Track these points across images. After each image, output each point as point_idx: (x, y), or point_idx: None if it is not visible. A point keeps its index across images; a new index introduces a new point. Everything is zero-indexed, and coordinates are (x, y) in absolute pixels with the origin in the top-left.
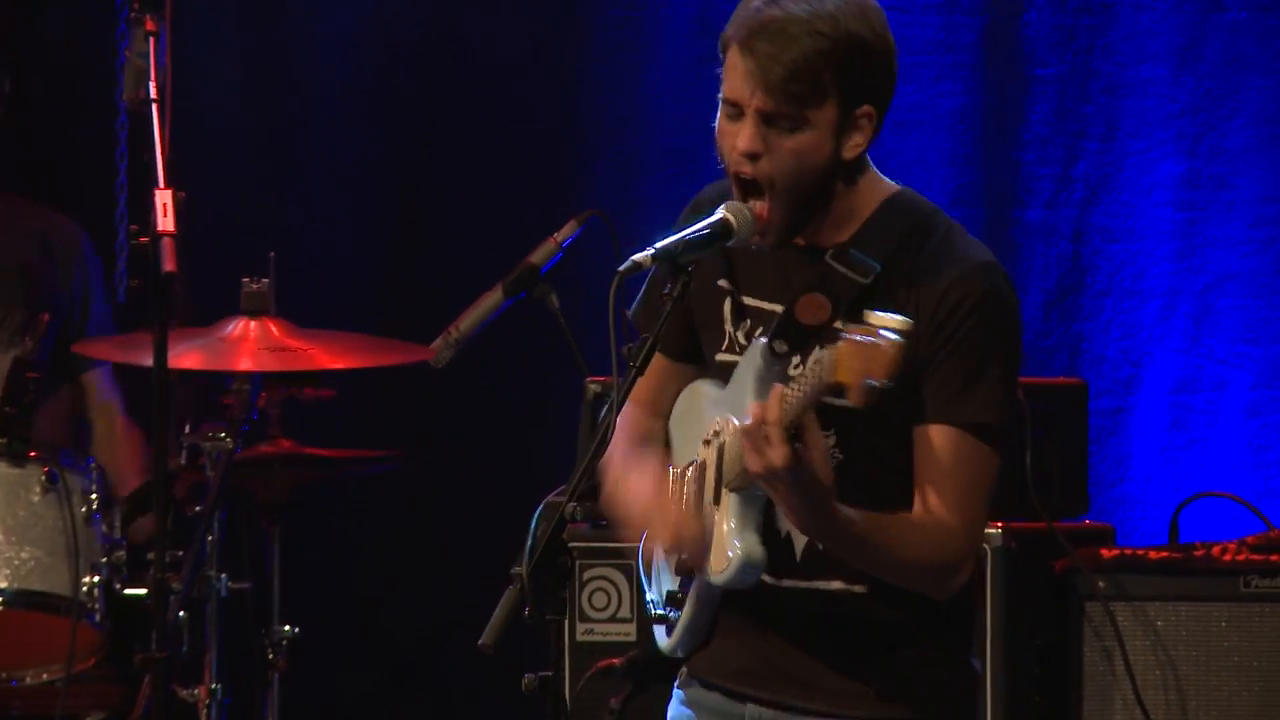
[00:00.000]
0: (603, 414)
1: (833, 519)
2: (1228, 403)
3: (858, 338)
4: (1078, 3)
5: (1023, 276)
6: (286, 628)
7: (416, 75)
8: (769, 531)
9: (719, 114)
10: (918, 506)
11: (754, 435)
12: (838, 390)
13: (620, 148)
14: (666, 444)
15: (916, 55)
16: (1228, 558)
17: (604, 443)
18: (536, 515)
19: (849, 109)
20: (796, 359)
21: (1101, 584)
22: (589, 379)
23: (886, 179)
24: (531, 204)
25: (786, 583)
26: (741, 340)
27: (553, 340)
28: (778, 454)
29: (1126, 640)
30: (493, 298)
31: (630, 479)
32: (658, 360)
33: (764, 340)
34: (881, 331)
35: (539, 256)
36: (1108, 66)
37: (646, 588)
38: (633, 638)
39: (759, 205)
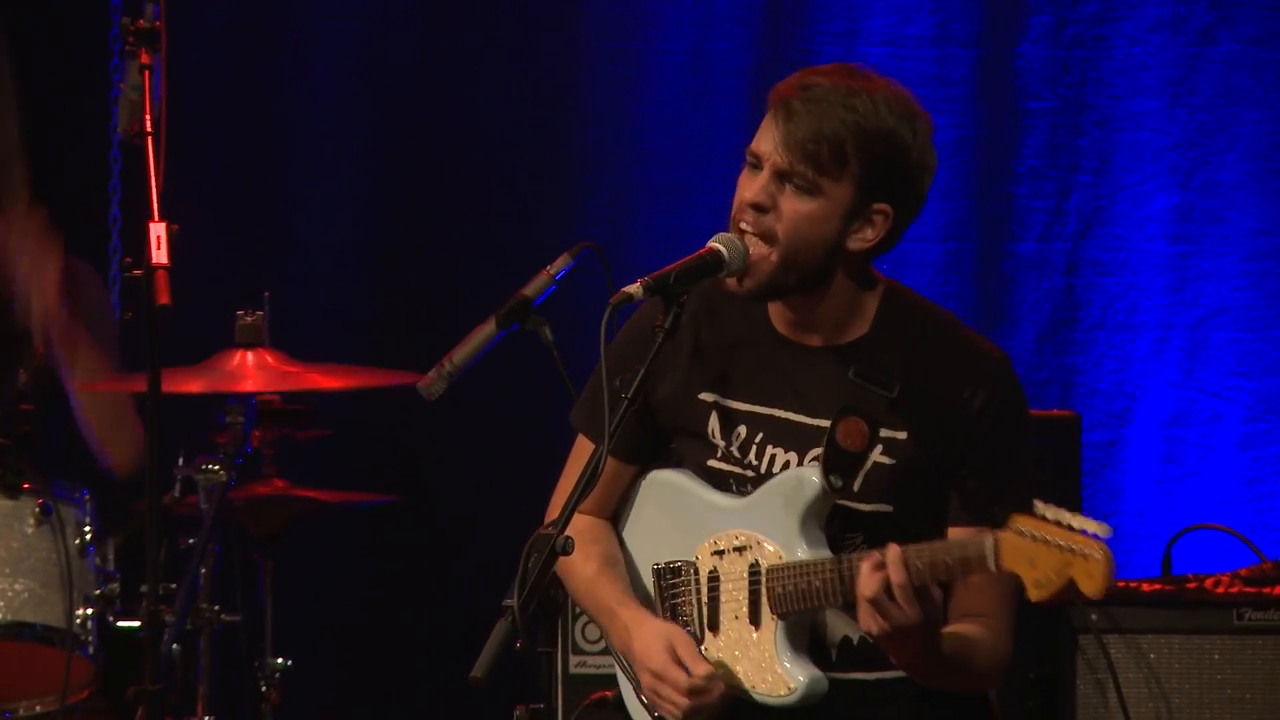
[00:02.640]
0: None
1: (937, 654)
2: (1221, 436)
3: (1051, 538)
4: (1071, 36)
5: (1015, 310)
6: (279, 660)
7: (410, 108)
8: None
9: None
10: (965, 608)
11: (880, 598)
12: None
13: (614, 181)
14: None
15: (909, 89)
16: (1221, 590)
17: (595, 476)
18: (527, 548)
19: (865, 198)
20: (842, 482)
21: (1095, 617)
22: None
23: (875, 271)
24: (524, 236)
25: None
26: (737, 445)
27: (545, 373)
28: (906, 614)
29: (1120, 673)
30: (486, 330)
31: (623, 610)
32: (610, 463)
33: (813, 473)
34: (1092, 539)
35: (532, 289)
36: (1101, 100)
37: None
38: None
39: (756, 245)
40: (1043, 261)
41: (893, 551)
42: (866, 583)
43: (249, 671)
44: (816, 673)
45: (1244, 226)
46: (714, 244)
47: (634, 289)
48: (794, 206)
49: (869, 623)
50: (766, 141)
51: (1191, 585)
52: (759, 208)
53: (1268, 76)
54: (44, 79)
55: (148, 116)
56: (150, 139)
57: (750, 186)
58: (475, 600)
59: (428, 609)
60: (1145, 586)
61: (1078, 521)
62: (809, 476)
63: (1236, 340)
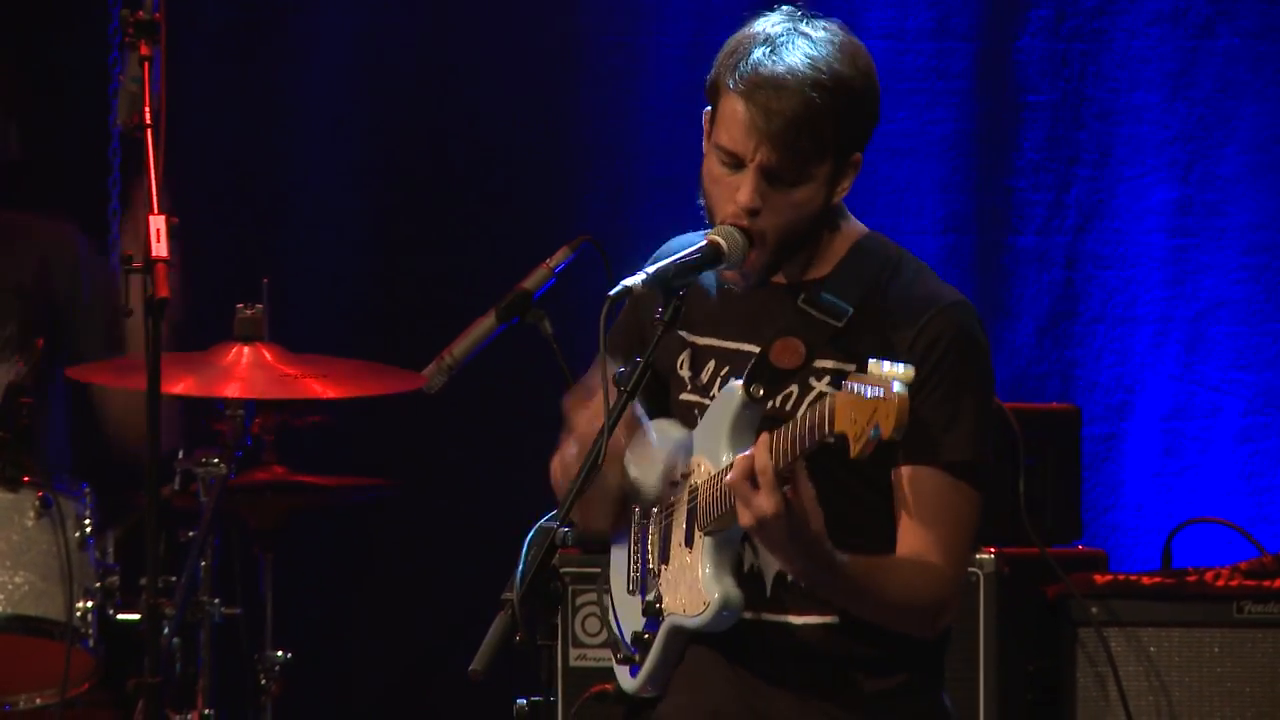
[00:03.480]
0: (594, 438)
1: (825, 563)
2: (1220, 429)
3: (863, 389)
4: (1070, 29)
5: (1015, 303)
6: (279, 653)
7: (409, 102)
8: (737, 565)
9: (710, 160)
10: (904, 548)
11: (742, 484)
12: (835, 440)
13: (612, 174)
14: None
15: (909, 82)
16: (1221, 583)
17: (595, 468)
18: (528, 540)
19: (841, 159)
20: (772, 401)
21: (1094, 609)
22: None
23: (856, 220)
24: (524, 230)
25: (756, 617)
26: (703, 381)
27: (545, 365)
28: (768, 502)
29: (1119, 666)
30: (486, 323)
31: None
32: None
33: (738, 384)
34: (893, 385)
35: (532, 282)
36: (1100, 93)
37: (615, 627)
38: None
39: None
40: (1042, 255)
41: (762, 436)
42: (735, 470)
43: (249, 664)
44: (733, 590)
45: (1243, 220)
46: (714, 237)
47: (633, 282)
48: (786, 199)
49: (743, 516)
50: (743, 140)
51: (1191, 578)
52: (754, 211)
53: (1267, 70)
54: (44, 72)
55: (147, 109)
56: (150, 131)
57: (743, 190)
58: (475, 594)
59: (427, 602)
60: (1145, 579)
61: (887, 371)
62: (732, 386)
63: (1235, 334)
